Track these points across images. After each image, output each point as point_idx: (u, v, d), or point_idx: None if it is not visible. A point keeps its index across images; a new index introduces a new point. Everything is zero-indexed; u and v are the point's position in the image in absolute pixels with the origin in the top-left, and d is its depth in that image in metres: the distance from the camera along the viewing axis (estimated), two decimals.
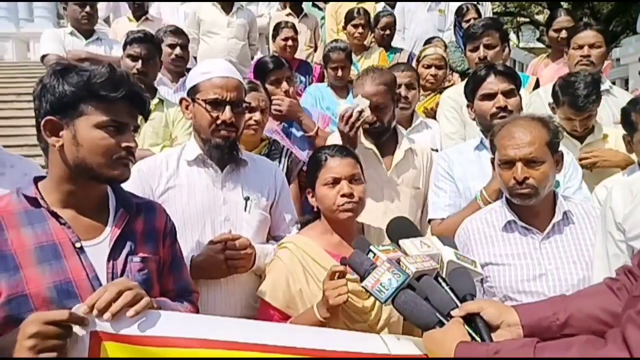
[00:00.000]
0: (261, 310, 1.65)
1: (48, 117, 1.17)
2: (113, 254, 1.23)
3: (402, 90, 2.74)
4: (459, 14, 4.19)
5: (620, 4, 12.30)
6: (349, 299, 1.52)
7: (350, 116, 2.07)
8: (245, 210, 1.78)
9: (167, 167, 1.75)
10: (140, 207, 1.33)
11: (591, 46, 2.82)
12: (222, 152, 1.74)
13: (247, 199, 1.79)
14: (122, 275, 1.22)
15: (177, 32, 3.46)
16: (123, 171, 1.22)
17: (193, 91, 1.74)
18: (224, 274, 1.68)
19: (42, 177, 1.25)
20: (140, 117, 1.27)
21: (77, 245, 1.18)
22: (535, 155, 1.60)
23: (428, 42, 4.09)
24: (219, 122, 1.70)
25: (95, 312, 1.05)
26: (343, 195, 1.60)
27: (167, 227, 1.38)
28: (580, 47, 2.83)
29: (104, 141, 1.18)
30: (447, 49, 4.14)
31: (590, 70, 2.61)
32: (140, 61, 2.75)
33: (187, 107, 1.78)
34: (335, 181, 1.62)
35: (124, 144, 1.20)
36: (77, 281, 1.16)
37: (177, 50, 3.33)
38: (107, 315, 1.05)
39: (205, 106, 1.69)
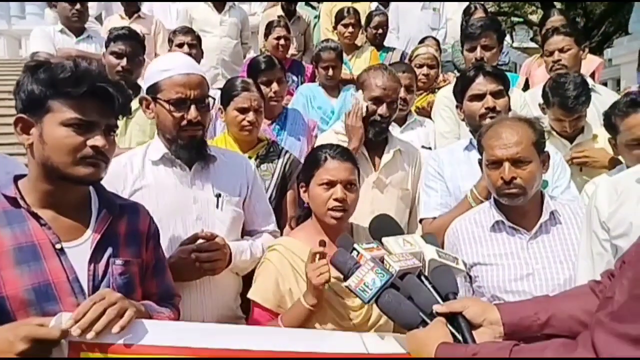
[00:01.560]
0: (253, 312, 1.65)
1: (19, 115, 1.16)
2: (95, 257, 1.20)
3: (402, 92, 2.73)
4: (467, 13, 4.20)
5: (613, 4, 12.36)
6: (338, 297, 1.55)
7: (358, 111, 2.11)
8: (217, 207, 1.73)
9: (132, 168, 1.69)
10: (123, 208, 1.31)
11: (561, 50, 2.86)
12: (190, 151, 1.69)
13: (218, 196, 1.74)
14: (103, 278, 1.20)
15: (184, 30, 3.47)
16: (92, 171, 1.17)
17: (153, 90, 1.66)
18: (197, 275, 1.65)
19: (22, 176, 1.23)
20: (120, 116, 1.23)
21: (58, 246, 1.16)
22: (522, 155, 1.61)
23: (421, 42, 4.10)
24: (184, 122, 1.64)
25: (78, 331, 1.04)
26: (335, 200, 1.60)
27: (150, 229, 1.36)
28: (551, 53, 2.89)
29: (68, 139, 1.14)
30: (440, 48, 4.15)
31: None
32: (124, 58, 2.71)
33: (147, 106, 1.69)
34: (331, 184, 1.61)
35: (90, 143, 1.15)
36: (56, 283, 1.14)
37: (185, 48, 3.32)
38: (90, 334, 1.05)
39: (168, 107, 1.63)
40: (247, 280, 1.86)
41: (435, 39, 4.30)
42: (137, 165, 1.70)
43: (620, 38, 7.68)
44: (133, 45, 2.75)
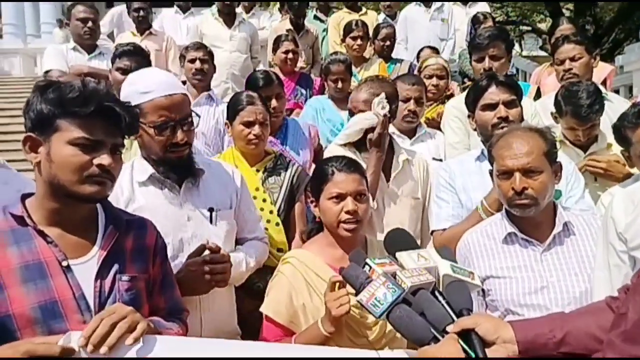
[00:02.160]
0: (264, 326, 1.63)
1: (28, 134, 1.17)
2: (101, 273, 1.20)
3: (411, 105, 2.72)
4: (476, 22, 4.19)
5: (622, 11, 12.29)
6: (352, 313, 1.51)
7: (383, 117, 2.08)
8: (211, 222, 1.70)
9: (122, 191, 1.64)
10: (130, 224, 1.31)
11: (572, 59, 2.82)
12: (179, 171, 1.66)
13: (211, 210, 1.71)
14: (109, 294, 1.20)
15: (196, 46, 3.48)
16: (98, 189, 1.18)
17: None
18: (207, 288, 1.63)
19: (30, 195, 1.24)
20: (127, 136, 1.24)
21: (64, 264, 1.16)
22: (533, 165, 1.58)
23: (419, 54, 4.10)
24: (169, 144, 1.60)
25: (90, 347, 1.03)
26: (347, 212, 1.59)
27: (157, 244, 1.36)
28: (562, 62, 2.85)
29: (74, 158, 1.15)
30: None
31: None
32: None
33: None
34: (341, 197, 1.60)
35: (96, 162, 1.16)
36: (62, 301, 1.14)
37: (197, 64, 3.33)
38: (103, 349, 1.03)
39: (153, 132, 1.59)
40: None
41: (433, 47, 4.28)
42: (126, 187, 1.66)
43: (631, 45, 7.61)
44: (139, 61, 2.75)
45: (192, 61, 3.37)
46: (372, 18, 5.03)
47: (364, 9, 5.10)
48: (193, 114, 1.68)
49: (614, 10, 13.20)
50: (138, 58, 2.79)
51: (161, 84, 1.61)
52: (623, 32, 12.79)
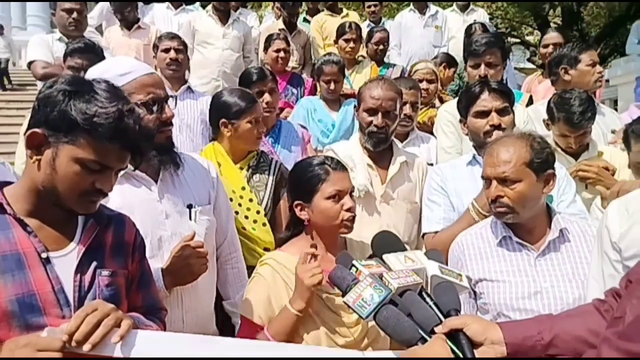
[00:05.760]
0: (243, 327, 1.60)
1: (34, 130, 1.09)
2: (81, 267, 1.15)
3: (407, 109, 2.71)
4: (468, 33, 4.21)
5: (608, 26, 12.60)
6: (333, 315, 1.51)
7: None
8: (190, 219, 1.65)
9: None
10: (110, 219, 1.26)
11: (600, 63, 2.89)
12: (168, 154, 1.61)
13: (190, 206, 1.66)
14: (89, 289, 1.15)
15: (170, 36, 3.38)
16: (88, 207, 1.16)
17: None
18: (194, 275, 1.59)
19: (8, 183, 1.18)
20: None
21: (43, 255, 1.11)
22: (508, 175, 1.59)
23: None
24: (158, 124, 1.55)
25: (73, 343, 0.99)
26: (348, 210, 1.59)
27: (136, 240, 1.31)
28: (595, 63, 2.85)
29: (77, 177, 1.10)
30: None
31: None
32: (82, 73, 2.53)
33: None
34: (340, 195, 1.60)
35: (98, 186, 1.12)
36: (41, 294, 1.08)
37: (172, 53, 3.22)
38: (86, 347, 0.99)
39: (141, 110, 1.49)
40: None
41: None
42: None
43: (616, 59, 7.81)
44: (90, 59, 2.60)
45: (167, 51, 3.24)
46: (354, 20, 5.00)
47: (345, 11, 5.06)
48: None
49: (600, 26, 13.52)
50: (91, 55, 2.66)
51: (139, 65, 1.58)
52: (608, 48, 13.09)
